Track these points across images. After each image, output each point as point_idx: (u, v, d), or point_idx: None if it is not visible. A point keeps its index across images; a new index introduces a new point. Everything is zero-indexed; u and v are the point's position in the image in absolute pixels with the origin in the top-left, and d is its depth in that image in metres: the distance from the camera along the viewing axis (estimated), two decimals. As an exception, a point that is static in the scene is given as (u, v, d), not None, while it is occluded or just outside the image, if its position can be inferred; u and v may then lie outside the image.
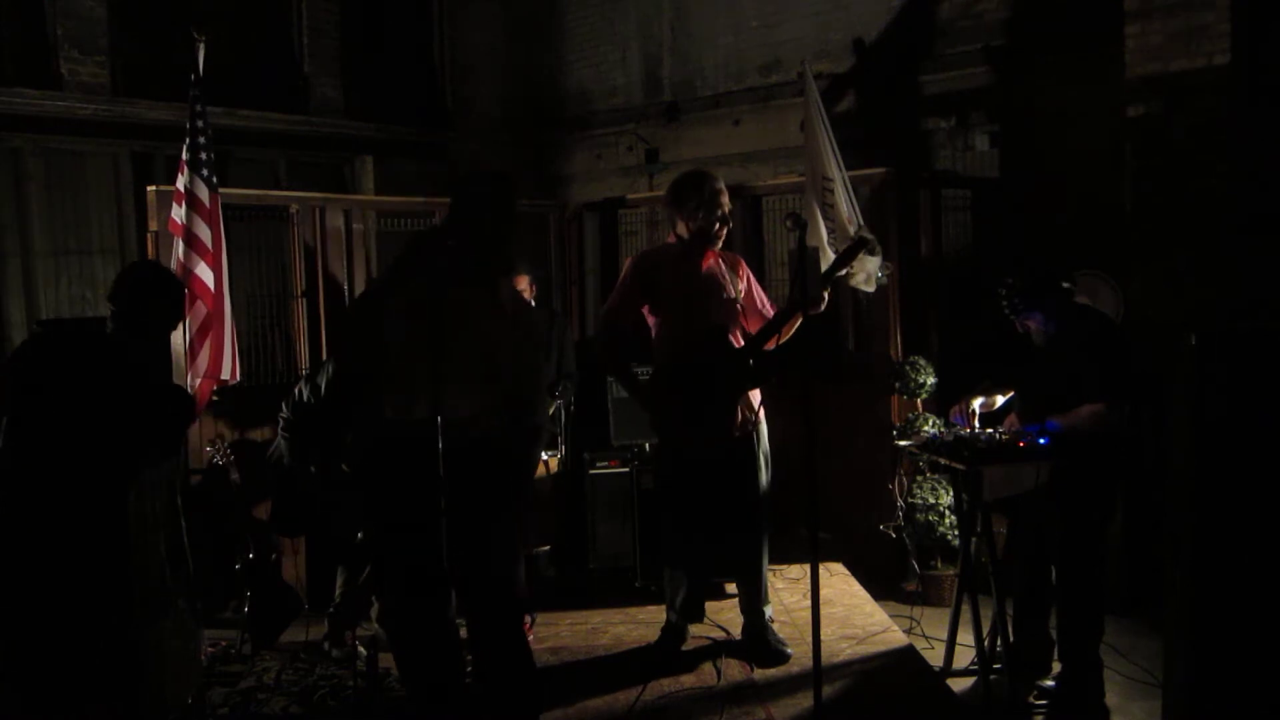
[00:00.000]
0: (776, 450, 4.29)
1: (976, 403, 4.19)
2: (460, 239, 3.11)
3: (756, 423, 4.17)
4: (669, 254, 4.26)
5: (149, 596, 3.37)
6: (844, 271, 4.27)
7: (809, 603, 3.35)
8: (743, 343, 4.16)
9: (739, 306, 4.23)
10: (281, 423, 4.70)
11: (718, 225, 4.15)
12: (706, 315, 4.15)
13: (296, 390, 4.74)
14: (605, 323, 4.25)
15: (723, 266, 4.25)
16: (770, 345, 4.07)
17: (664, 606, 4.38)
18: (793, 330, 4.05)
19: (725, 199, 4.17)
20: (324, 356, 5.61)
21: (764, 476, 4.21)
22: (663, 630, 4.33)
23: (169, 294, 3.44)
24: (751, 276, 4.37)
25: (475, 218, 3.15)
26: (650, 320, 4.27)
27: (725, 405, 4.07)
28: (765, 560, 4.28)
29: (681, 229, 4.19)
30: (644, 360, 4.39)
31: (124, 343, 3.23)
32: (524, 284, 4.84)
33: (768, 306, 4.34)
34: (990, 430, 4.01)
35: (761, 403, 4.15)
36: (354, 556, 4.57)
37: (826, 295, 4.07)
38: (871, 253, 5.05)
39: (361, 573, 4.56)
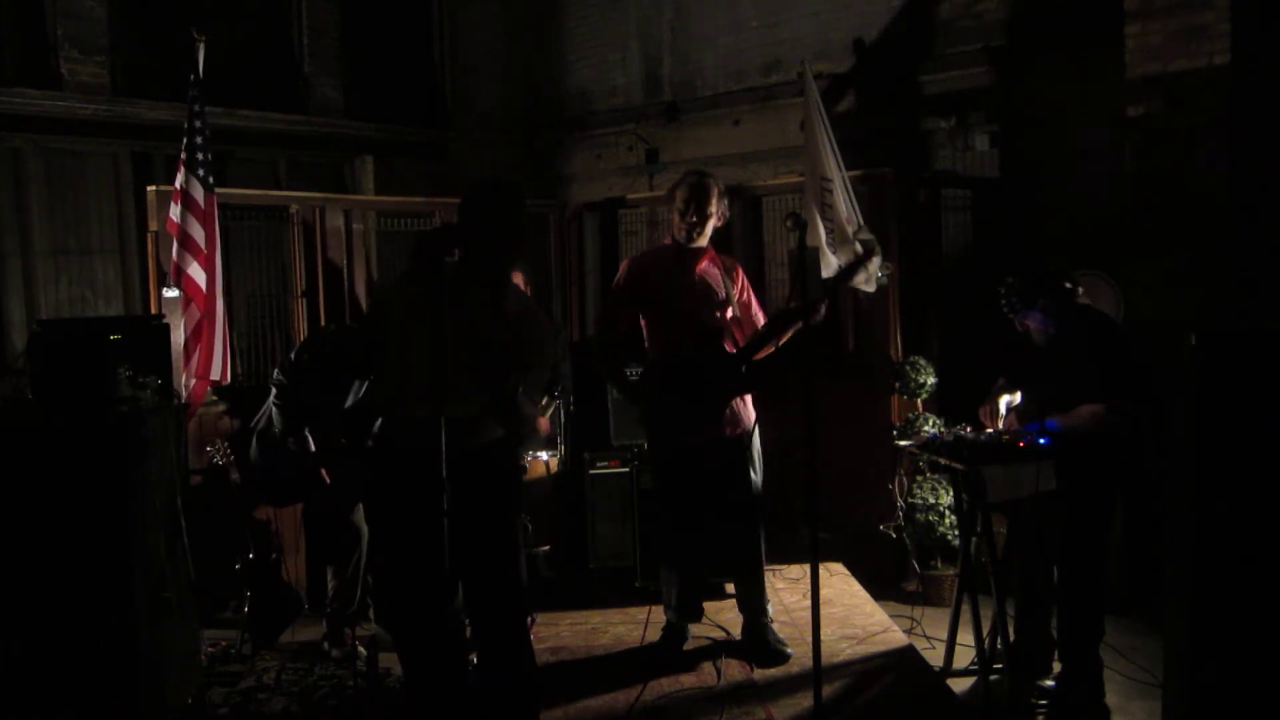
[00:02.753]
0: (776, 450, 4.29)
1: (1003, 401, 4.19)
2: (466, 246, 3.11)
3: (747, 423, 4.17)
4: (663, 256, 4.26)
5: (149, 596, 3.37)
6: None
7: (809, 603, 3.35)
8: (735, 349, 4.14)
9: (733, 311, 4.21)
10: (274, 390, 4.50)
11: (688, 229, 4.12)
12: (698, 318, 4.14)
13: (294, 354, 4.56)
14: (599, 331, 4.28)
15: (718, 269, 4.23)
16: (765, 352, 4.06)
17: (664, 606, 4.37)
18: (788, 337, 4.03)
19: (698, 202, 4.09)
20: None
21: (756, 476, 4.20)
22: (664, 630, 4.34)
23: None
24: (746, 282, 4.36)
25: (482, 225, 3.16)
26: (643, 321, 4.27)
27: (714, 406, 4.07)
28: (763, 560, 4.28)
29: (672, 230, 4.22)
30: (639, 360, 4.38)
31: None
32: (518, 280, 4.83)
33: (759, 314, 4.32)
34: (990, 430, 4.01)
35: (754, 403, 4.14)
36: (340, 538, 4.55)
37: (824, 306, 3.96)
38: (871, 253, 5.05)
39: (349, 560, 4.54)
